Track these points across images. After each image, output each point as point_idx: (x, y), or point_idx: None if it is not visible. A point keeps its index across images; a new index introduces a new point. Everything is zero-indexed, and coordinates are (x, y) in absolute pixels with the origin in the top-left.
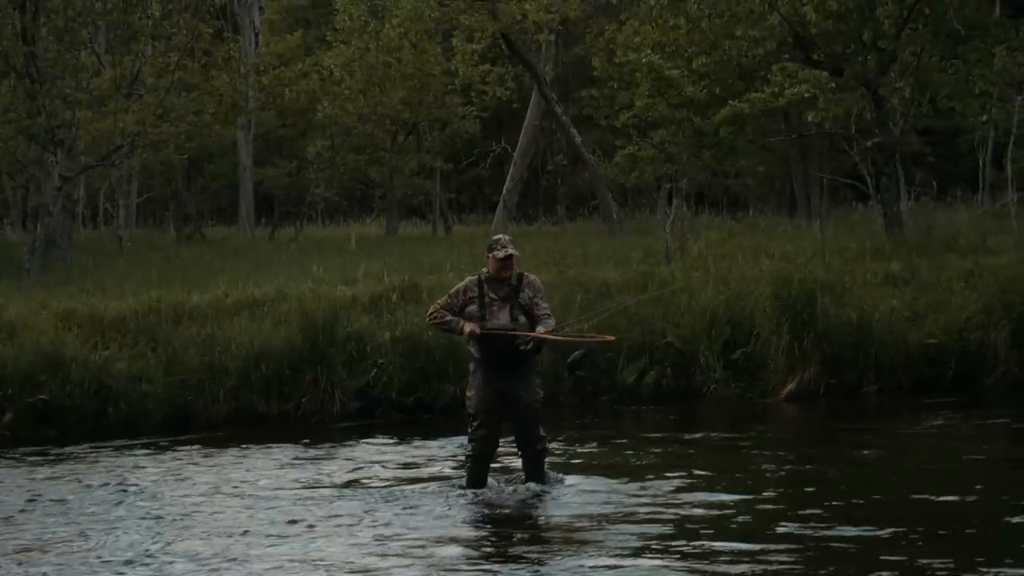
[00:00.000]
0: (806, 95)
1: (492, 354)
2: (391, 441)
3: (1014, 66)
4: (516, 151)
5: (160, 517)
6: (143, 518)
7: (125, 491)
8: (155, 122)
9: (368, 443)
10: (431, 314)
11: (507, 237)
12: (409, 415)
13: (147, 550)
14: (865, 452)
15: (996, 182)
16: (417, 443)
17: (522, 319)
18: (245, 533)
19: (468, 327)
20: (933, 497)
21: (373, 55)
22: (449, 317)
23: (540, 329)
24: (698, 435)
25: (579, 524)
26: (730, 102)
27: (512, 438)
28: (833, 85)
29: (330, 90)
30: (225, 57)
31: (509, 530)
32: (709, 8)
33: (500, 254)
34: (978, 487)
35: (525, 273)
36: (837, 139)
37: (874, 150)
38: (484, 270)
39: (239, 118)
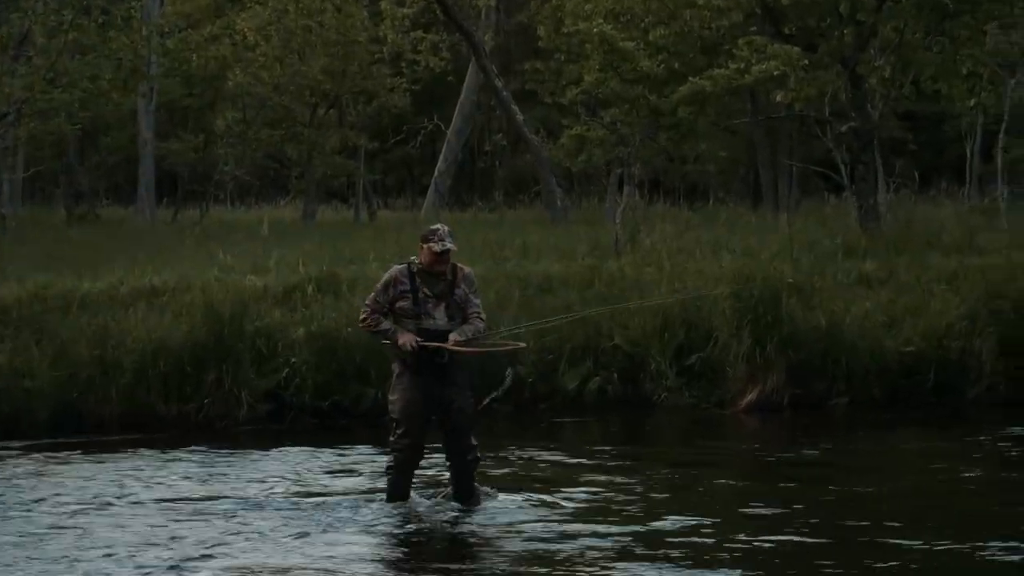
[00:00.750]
0: (775, 73)
1: (422, 359)
2: (303, 449)
3: (1007, 45)
4: (450, 129)
5: (28, 531)
6: (5, 533)
7: None
8: (45, 87)
9: (278, 451)
10: (364, 320)
11: (446, 228)
12: (324, 420)
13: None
14: (829, 472)
15: (984, 174)
16: (332, 452)
17: (459, 318)
18: (129, 552)
19: (405, 339)
20: (899, 528)
21: (292, 18)
22: (386, 325)
23: (453, 337)
24: (645, 449)
25: (508, 544)
26: (690, 79)
27: (437, 447)
28: (806, 62)
29: (243, 56)
30: (125, 17)
31: (432, 549)
32: None
33: (437, 248)
34: (952, 521)
35: (459, 265)
36: (809, 123)
37: (849, 135)
38: (414, 259)
39: (140, 85)
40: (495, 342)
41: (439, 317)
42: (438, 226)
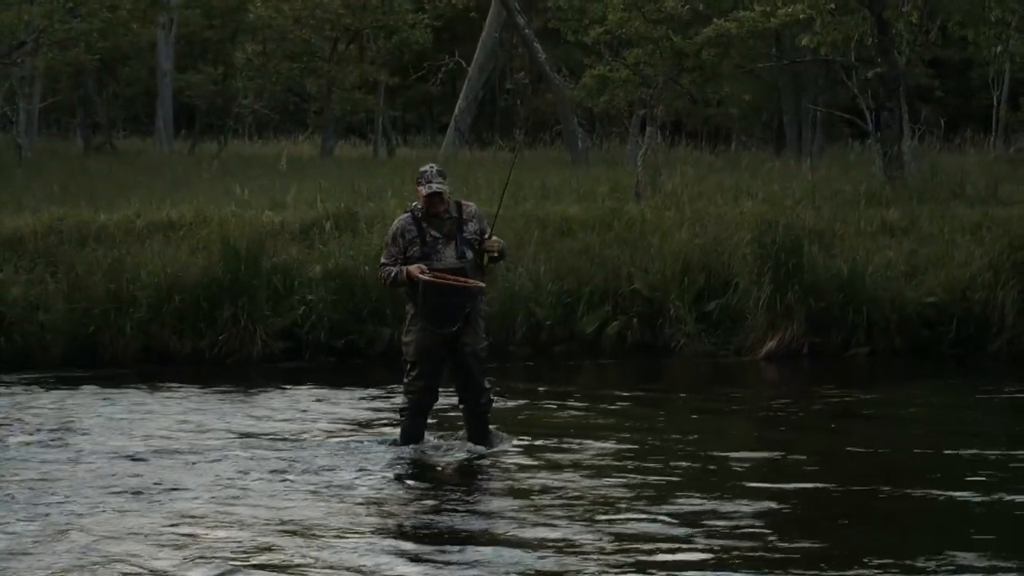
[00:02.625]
0: (801, 16)
1: (433, 300)
2: (318, 388)
3: None
4: (471, 66)
5: (42, 464)
6: (15, 473)
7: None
8: (64, 17)
9: (292, 390)
10: (381, 277)
11: (435, 168)
12: (340, 359)
13: (11, 506)
14: (848, 422)
15: (1011, 123)
16: (348, 391)
17: (469, 255)
18: (137, 490)
19: (414, 268)
20: (915, 479)
21: None
22: (394, 271)
23: (490, 243)
24: (663, 395)
25: (520, 488)
26: (715, 20)
27: (453, 390)
28: (832, 6)
29: None
30: None
31: (444, 493)
32: None
33: (424, 191)
34: (969, 474)
35: (463, 202)
36: (834, 68)
37: (875, 81)
38: (416, 204)
39: (159, 15)
40: (458, 279)
41: (448, 256)
42: (425, 167)
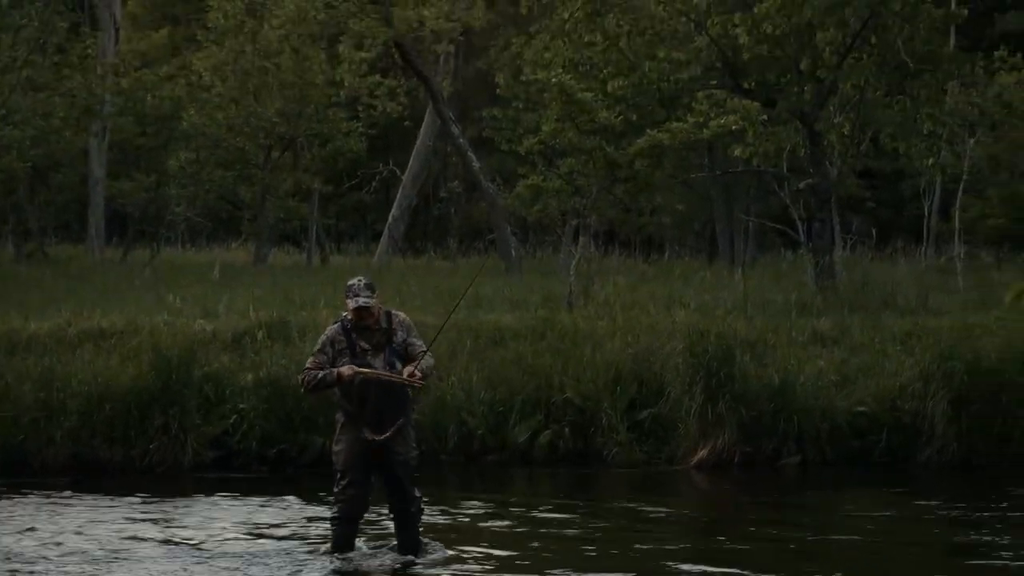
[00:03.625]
0: (734, 127)
1: (363, 405)
2: (249, 497)
3: (967, 105)
4: (406, 174)
5: None
6: None
7: None
8: None
9: (224, 499)
10: (303, 380)
11: (363, 281)
12: (271, 468)
13: None
14: (778, 532)
15: (942, 233)
16: (279, 501)
17: (399, 365)
18: None
19: (344, 369)
20: None
21: (248, 59)
22: (322, 373)
23: (410, 369)
24: (594, 504)
25: None
26: (648, 131)
27: (383, 498)
28: (764, 118)
29: (198, 96)
30: (80, 55)
31: None
32: (629, 25)
33: (351, 304)
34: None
35: (393, 312)
36: (766, 178)
37: (807, 192)
38: (346, 315)
39: (93, 124)
40: (396, 375)
41: (378, 366)
42: (353, 280)
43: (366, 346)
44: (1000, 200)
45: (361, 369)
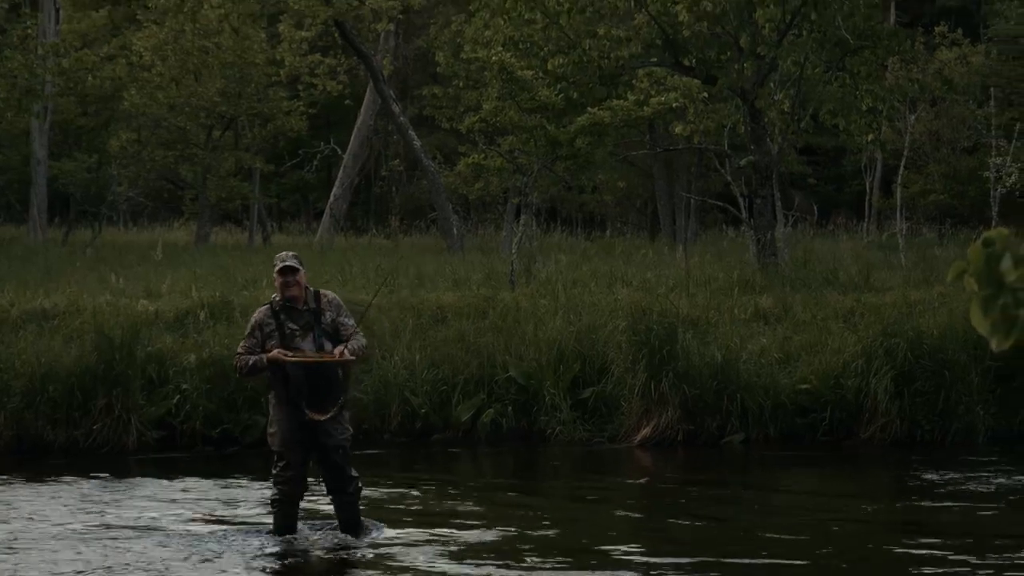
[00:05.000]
0: (674, 105)
1: (296, 389)
2: (192, 478)
3: (907, 81)
4: (347, 153)
5: None
6: None
7: None
8: None
9: (166, 479)
10: (236, 366)
11: (290, 253)
12: (216, 449)
13: None
14: (721, 509)
15: (884, 209)
16: (221, 481)
17: (328, 346)
18: None
19: (274, 354)
20: (787, 563)
21: (188, 39)
22: (252, 359)
23: (340, 348)
24: (537, 483)
25: None
26: (589, 109)
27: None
28: (705, 95)
29: (138, 76)
30: (21, 36)
31: None
32: (569, 2)
33: (277, 265)
34: (843, 561)
35: (322, 292)
36: (707, 155)
37: (748, 169)
38: (275, 296)
39: (34, 105)
40: (326, 355)
41: (307, 347)
42: (281, 253)
43: (294, 327)
44: (941, 176)
45: (288, 355)
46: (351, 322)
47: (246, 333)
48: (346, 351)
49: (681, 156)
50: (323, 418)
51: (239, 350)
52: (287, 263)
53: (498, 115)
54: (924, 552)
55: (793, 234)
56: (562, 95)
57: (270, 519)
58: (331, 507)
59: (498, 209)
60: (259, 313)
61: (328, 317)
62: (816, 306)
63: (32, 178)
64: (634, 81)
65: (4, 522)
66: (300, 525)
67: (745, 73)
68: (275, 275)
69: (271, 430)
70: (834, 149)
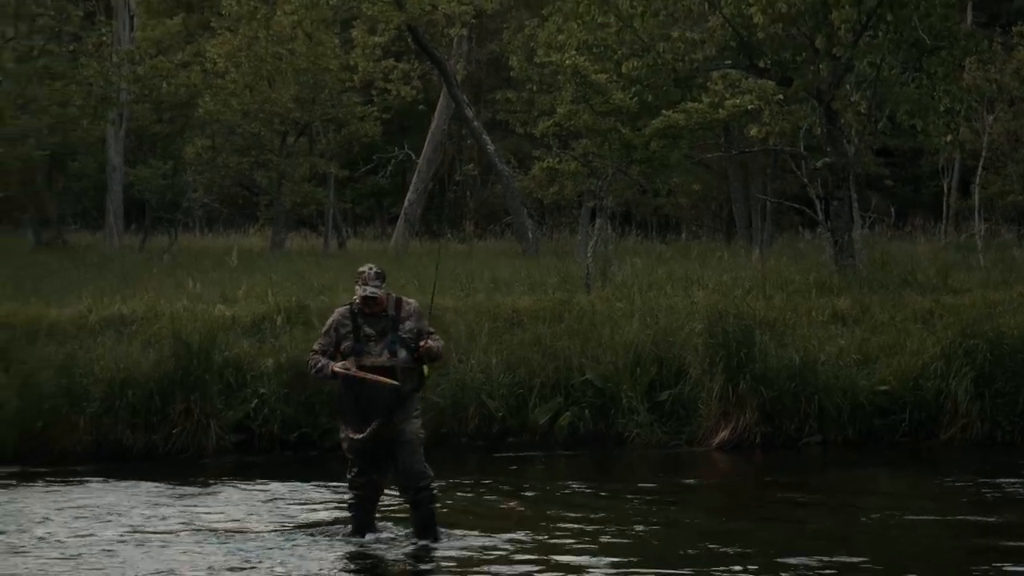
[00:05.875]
0: (750, 107)
1: (361, 398)
2: (270, 481)
3: (985, 81)
4: (421, 158)
5: None
6: None
7: None
8: (15, 113)
9: (245, 483)
10: (308, 364)
11: (372, 270)
12: (293, 452)
13: None
14: (800, 512)
15: (961, 210)
16: (300, 485)
17: (402, 354)
18: None
19: (339, 365)
20: (867, 564)
21: (262, 45)
22: (322, 363)
23: (424, 342)
24: (616, 486)
25: None
26: (664, 112)
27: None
28: (780, 97)
29: (213, 83)
30: (96, 43)
31: None
32: (642, 5)
33: (359, 292)
34: (922, 563)
35: (404, 299)
36: (783, 157)
37: (825, 171)
38: (356, 298)
39: (110, 112)
40: (368, 375)
41: (377, 353)
42: (364, 268)
43: (370, 332)
44: (1020, 176)
45: (350, 370)
46: (431, 329)
47: (322, 331)
48: (430, 343)
49: (756, 158)
50: (358, 437)
51: (314, 347)
52: (368, 293)
53: (572, 119)
54: (1004, 555)
55: (870, 236)
56: (636, 98)
57: (347, 523)
58: (408, 511)
59: (573, 213)
60: (338, 313)
61: (408, 325)
62: (894, 307)
63: (108, 185)
64: (709, 84)
65: (80, 526)
66: (378, 529)
67: (821, 74)
68: (356, 287)
69: (342, 435)
70: (911, 150)
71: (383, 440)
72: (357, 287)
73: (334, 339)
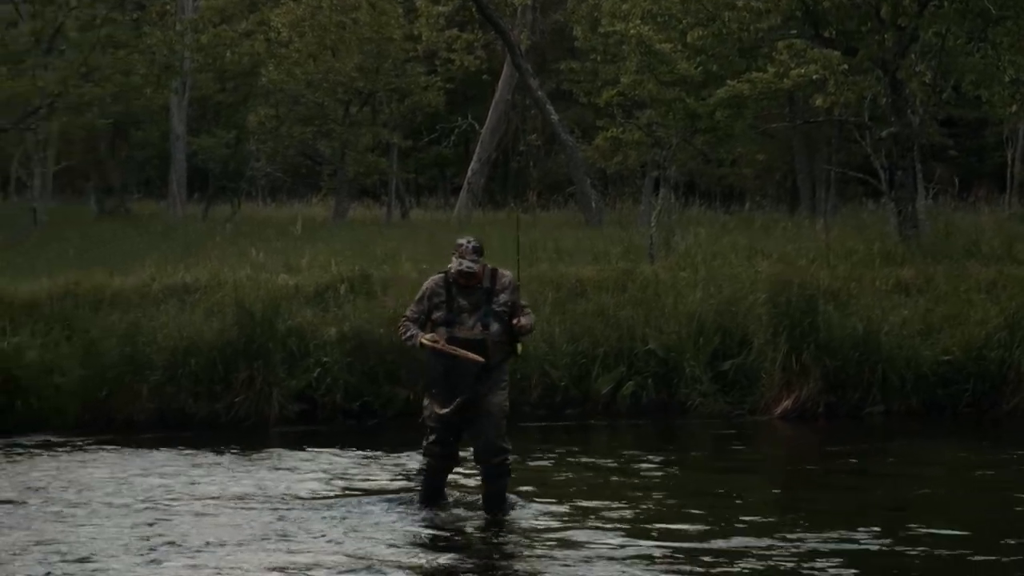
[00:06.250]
0: (814, 77)
1: (446, 374)
2: (333, 450)
3: None
4: (484, 128)
5: (43, 529)
6: (30, 533)
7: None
8: (78, 82)
9: (308, 451)
10: (400, 328)
11: (471, 243)
12: (355, 421)
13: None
14: (864, 481)
15: None
16: (362, 454)
17: (495, 327)
18: (169, 545)
19: (425, 338)
20: (935, 532)
21: (326, 14)
22: (411, 333)
23: (516, 320)
24: (679, 456)
25: (533, 553)
26: (728, 82)
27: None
28: (845, 67)
29: (276, 52)
30: (160, 12)
31: (456, 555)
32: None
33: (454, 266)
34: (985, 526)
35: (499, 272)
36: (848, 127)
37: (889, 141)
38: (451, 267)
39: (173, 81)
40: (455, 349)
41: (470, 325)
42: (463, 240)
43: (464, 303)
44: None
45: (438, 343)
46: (524, 303)
47: (416, 298)
48: (523, 321)
49: (821, 128)
50: (443, 412)
51: (407, 313)
52: (464, 268)
53: (636, 88)
54: None
55: (934, 206)
56: (701, 68)
57: (412, 492)
58: (478, 481)
59: (636, 183)
60: (432, 281)
61: (503, 298)
62: (958, 278)
63: (171, 154)
64: (773, 53)
65: (143, 494)
66: (446, 498)
67: (886, 44)
68: (453, 258)
69: (426, 402)
70: (975, 120)
71: (471, 410)
72: (454, 259)
73: (426, 307)
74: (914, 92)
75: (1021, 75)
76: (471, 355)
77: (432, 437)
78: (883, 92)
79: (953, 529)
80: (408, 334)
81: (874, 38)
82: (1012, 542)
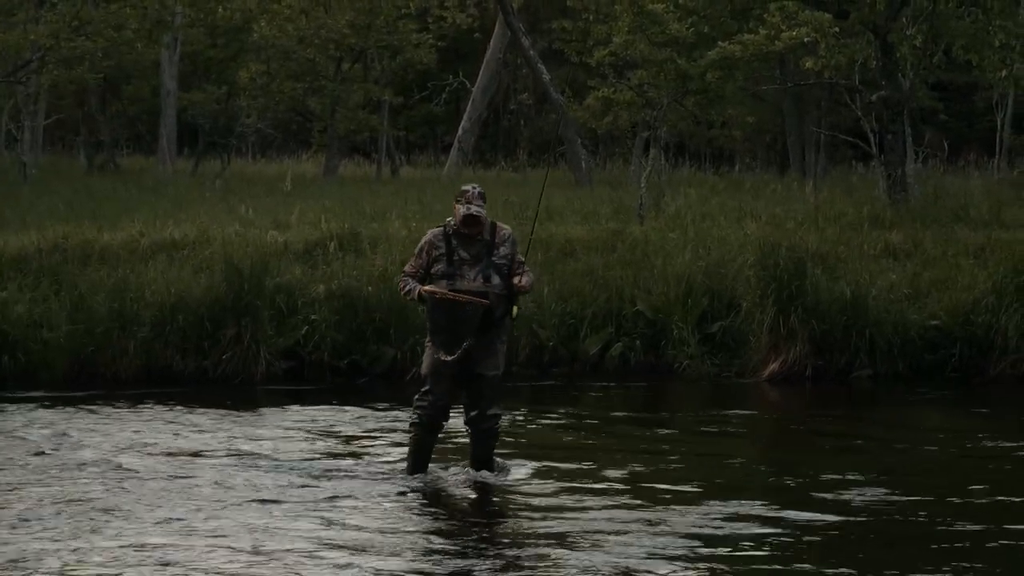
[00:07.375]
0: (805, 39)
1: (449, 322)
2: (321, 408)
3: None
4: (475, 87)
5: (31, 487)
6: (13, 489)
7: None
8: (69, 35)
9: (295, 409)
10: (400, 283)
11: (476, 189)
12: (343, 379)
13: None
14: (851, 443)
15: (1015, 146)
16: (350, 412)
17: (495, 279)
18: (128, 512)
19: (424, 288)
20: (918, 497)
21: None
22: (410, 286)
23: (517, 280)
24: (666, 417)
25: (518, 515)
26: (720, 43)
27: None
28: (836, 30)
29: (268, 8)
30: None
31: (441, 516)
32: None
33: (462, 211)
34: (971, 488)
35: (499, 225)
36: (838, 90)
37: (879, 104)
38: (451, 220)
39: (164, 36)
40: (458, 294)
41: (471, 277)
42: (468, 187)
43: (464, 255)
44: None
45: (435, 289)
46: (521, 258)
47: (415, 252)
48: (523, 281)
49: (811, 91)
50: (449, 359)
51: (405, 268)
52: (472, 211)
53: (628, 49)
54: None
55: (923, 170)
56: (693, 29)
57: (400, 449)
58: (466, 442)
59: (627, 143)
60: (431, 234)
61: (503, 251)
62: (946, 242)
63: (161, 109)
64: (765, 15)
65: (129, 449)
66: (433, 457)
67: (877, 7)
68: (457, 206)
69: (424, 358)
70: (966, 85)
71: (469, 368)
72: (459, 206)
73: (425, 261)
74: (904, 56)
75: (1011, 39)
76: (474, 298)
77: (425, 388)
78: (874, 55)
79: (938, 492)
80: (407, 288)
81: (865, 1)
82: (994, 503)
